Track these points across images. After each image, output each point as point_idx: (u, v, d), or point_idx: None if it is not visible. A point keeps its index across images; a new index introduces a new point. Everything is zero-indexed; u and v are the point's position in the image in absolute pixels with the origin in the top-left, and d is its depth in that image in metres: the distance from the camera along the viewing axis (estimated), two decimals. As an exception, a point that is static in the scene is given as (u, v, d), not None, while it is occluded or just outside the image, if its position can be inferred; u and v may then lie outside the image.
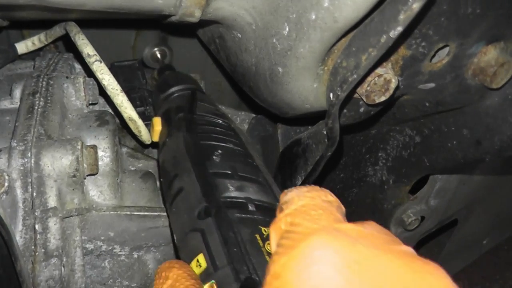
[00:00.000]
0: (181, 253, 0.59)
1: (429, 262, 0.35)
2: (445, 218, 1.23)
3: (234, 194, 0.59)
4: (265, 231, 0.54)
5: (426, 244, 1.49)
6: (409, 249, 0.37)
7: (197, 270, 0.53)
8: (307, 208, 0.40)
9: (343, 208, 0.43)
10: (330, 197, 0.43)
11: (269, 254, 0.51)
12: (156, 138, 0.80)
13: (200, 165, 0.64)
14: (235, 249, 0.52)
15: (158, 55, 1.05)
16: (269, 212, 0.58)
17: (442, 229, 1.34)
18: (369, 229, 0.38)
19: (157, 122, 0.80)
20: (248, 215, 0.56)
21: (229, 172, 0.63)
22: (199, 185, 0.61)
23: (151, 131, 0.81)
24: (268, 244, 0.52)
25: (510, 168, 1.14)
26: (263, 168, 0.68)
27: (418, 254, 0.37)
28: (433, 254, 1.49)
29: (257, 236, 0.53)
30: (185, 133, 0.70)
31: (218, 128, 0.72)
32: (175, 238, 0.62)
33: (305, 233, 0.37)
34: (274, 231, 0.41)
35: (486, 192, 1.26)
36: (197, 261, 0.54)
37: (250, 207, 0.58)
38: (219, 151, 0.66)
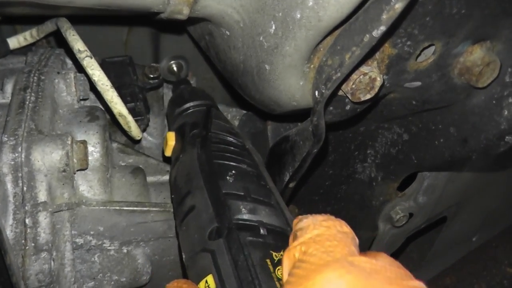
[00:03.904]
0: (189, 272, 0.59)
1: None
2: (433, 215, 1.24)
3: (246, 216, 0.59)
4: (276, 256, 0.54)
5: (416, 240, 1.50)
6: (421, 285, 0.38)
7: None
8: (322, 238, 0.41)
9: (357, 240, 0.43)
10: (346, 228, 0.43)
11: (279, 280, 0.51)
12: (169, 153, 0.79)
13: (213, 184, 0.63)
14: (245, 273, 0.52)
15: (175, 68, 1.05)
16: (280, 237, 0.57)
17: (432, 226, 1.35)
18: (382, 262, 0.39)
19: (171, 136, 0.79)
20: (260, 239, 0.56)
21: (242, 193, 0.62)
22: (212, 205, 0.61)
23: (165, 146, 0.80)
24: (279, 269, 0.52)
25: (497, 165, 1.15)
26: (275, 190, 0.67)
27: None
28: (423, 250, 1.50)
29: (268, 261, 0.53)
30: (199, 151, 0.70)
31: (232, 148, 0.72)
32: (183, 256, 0.61)
33: (319, 265, 0.38)
34: (288, 259, 0.42)
35: (475, 189, 1.27)
36: (206, 281, 0.54)
37: (262, 231, 0.57)
38: (233, 171, 0.65)
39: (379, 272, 0.37)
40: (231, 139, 0.74)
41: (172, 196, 0.72)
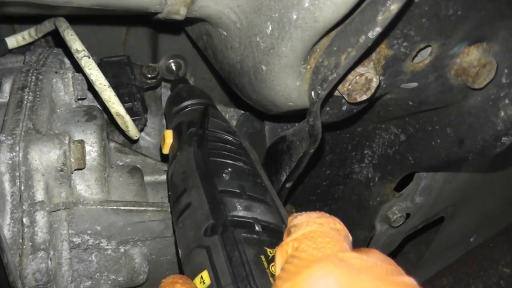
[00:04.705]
0: (185, 268, 0.60)
1: None
2: (431, 216, 1.25)
3: (241, 213, 0.59)
4: (270, 253, 0.54)
5: (414, 241, 1.50)
6: (411, 280, 0.38)
7: (200, 287, 0.54)
8: (315, 235, 0.41)
9: (350, 237, 0.43)
10: (339, 225, 0.43)
11: (273, 276, 0.51)
12: (166, 151, 0.80)
13: (209, 182, 0.64)
14: (239, 269, 0.52)
15: (173, 67, 1.05)
16: (275, 234, 0.58)
17: (430, 226, 1.35)
18: (373, 259, 0.39)
19: (169, 135, 0.80)
20: (254, 236, 0.57)
21: (237, 191, 0.63)
22: (207, 202, 0.61)
23: (162, 144, 0.81)
24: (273, 265, 0.52)
25: (494, 166, 1.16)
26: (271, 188, 0.68)
27: (419, 285, 0.38)
28: (420, 251, 1.50)
29: (262, 257, 0.54)
30: (196, 149, 0.70)
31: (228, 146, 0.72)
32: (180, 252, 0.62)
33: (310, 260, 0.38)
34: (280, 254, 0.42)
35: (472, 190, 1.27)
36: (201, 277, 0.54)
37: (257, 228, 0.58)
38: (229, 169, 0.66)
39: (369, 268, 0.38)
40: (228, 137, 0.75)
41: (169, 193, 0.72)
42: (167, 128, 0.87)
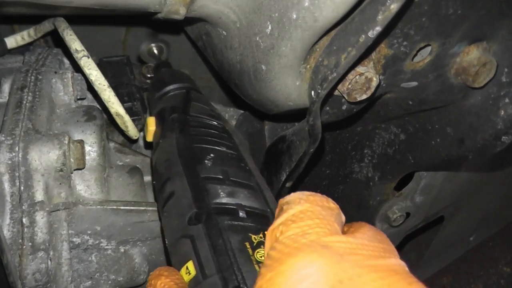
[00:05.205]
0: (172, 258, 0.59)
1: (414, 282, 0.35)
2: (431, 215, 1.24)
3: (224, 200, 0.59)
4: (255, 239, 0.54)
5: (414, 240, 1.50)
6: (398, 263, 0.38)
7: (186, 278, 0.54)
8: (305, 215, 0.40)
9: (343, 217, 0.43)
10: (332, 204, 0.43)
11: (258, 263, 0.51)
12: (150, 138, 0.79)
13: (191, 169, 0.63)
14: (224, 258, 0.52)
15: (155, 51, 1.04)
16: (260, 219, 0.57)
17: (430, 225, 1.35)
18: (360, 239, 0.38)
19: (151, 122, 0.79)
20: (239, 222, 0.56)
21: (220, 177, 0.62)
22: (190, 190, 0.61)
23: (145, 131, 0.80)
24: (258, 252, 0.52)
25: (494, 165, 1.16)
26: (256, 172, 0.67)
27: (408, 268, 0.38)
28: (420, 250, 1.50)
29: (247, 244, 0.53)
30: (178, 135, 0.70)
31: (211, 131, 0.71)
32: (166, 242, 0.62)
33: (293, 247, 0.37)
34: (270, 238, 0.41)
35: (472, 189, 1.27)
36: (187, 268, 0.54)
37: (241, 214, 0.57)
38: (211, 155, 0.65)
39: (353, 252, 0.37)
40: (211, 121, 0.74)
41: (153, 182, 0.71)
42: (150, 114, 0.85)
